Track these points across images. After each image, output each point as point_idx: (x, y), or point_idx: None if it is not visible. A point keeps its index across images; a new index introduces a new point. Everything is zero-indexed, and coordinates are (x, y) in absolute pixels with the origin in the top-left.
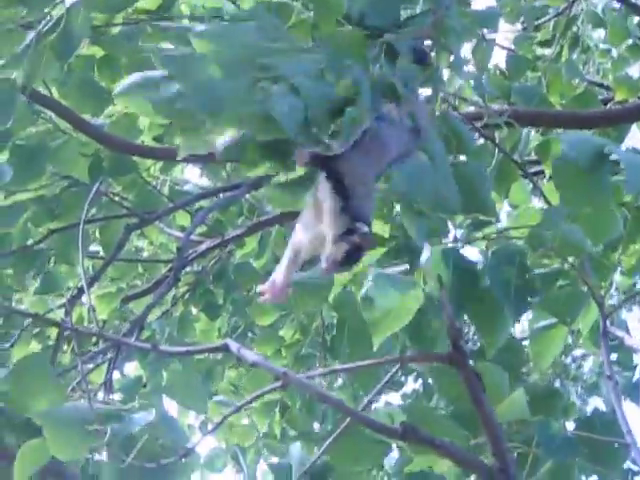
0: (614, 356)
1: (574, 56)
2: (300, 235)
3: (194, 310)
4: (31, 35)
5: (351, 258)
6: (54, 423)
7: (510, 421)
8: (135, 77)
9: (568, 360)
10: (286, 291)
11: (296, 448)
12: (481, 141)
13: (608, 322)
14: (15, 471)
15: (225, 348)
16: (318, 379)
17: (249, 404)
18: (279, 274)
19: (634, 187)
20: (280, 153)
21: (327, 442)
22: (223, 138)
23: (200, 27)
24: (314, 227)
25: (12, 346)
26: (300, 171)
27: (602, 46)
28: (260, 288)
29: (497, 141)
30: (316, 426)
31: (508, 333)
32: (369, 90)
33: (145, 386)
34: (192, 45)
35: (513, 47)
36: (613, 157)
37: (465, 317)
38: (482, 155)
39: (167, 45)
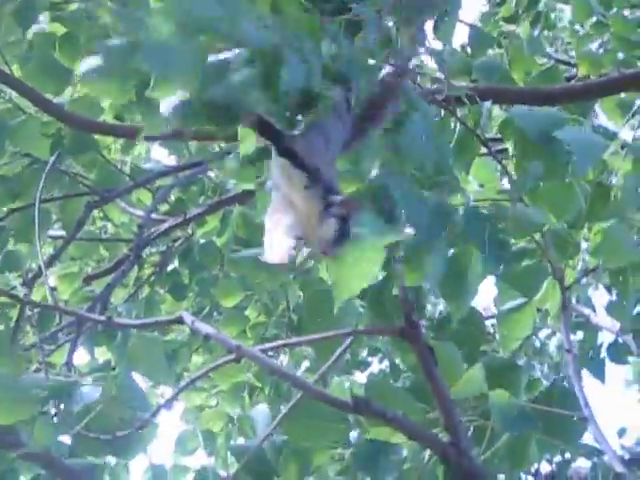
0: (580, 334)
1: (538, 33)
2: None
3: (160, 291)
4: None
5: (344, 232)
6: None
7: (468, 396)
8: (91, 60)
9: (533, 338)
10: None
11: (261, 412)
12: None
13: (574, 300)
14: None
15: (180, 321)
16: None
17: (202, 377)
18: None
19: (582, 167)
20: (228, 118)
21: (279, 416)
22: (169, 100)
23: None
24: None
25: None
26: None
27: (567, 23)
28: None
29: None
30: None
31: (472, 299)
32: (320, 74)
33: (114, 369)
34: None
35: (478, 24)
36: (560, 137)
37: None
38: (443, 130)
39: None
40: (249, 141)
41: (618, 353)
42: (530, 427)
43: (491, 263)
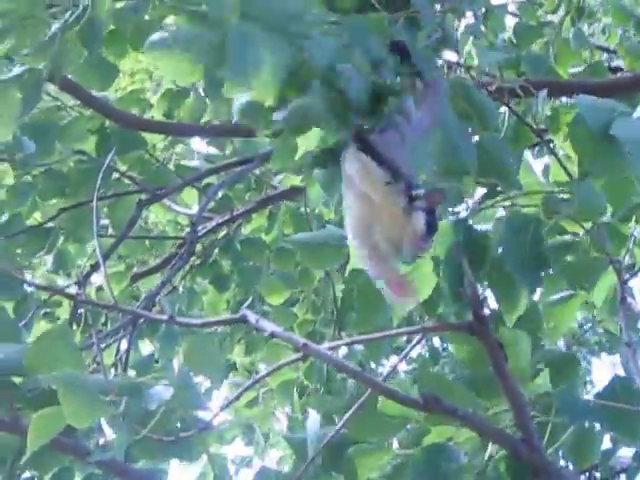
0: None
1: (581, 25)
2: (360, 233)
3: (201, 283)
4: (57, 25)
5: (432, 224)
6: (70, 387)
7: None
8: (162, 33)
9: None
10: (405, 284)
11: (313, 420)
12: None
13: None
14: (29, 439)
15: (243, 319)
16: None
17: (265, 378)
18: (387, 277)
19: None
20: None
21: (347, 415)
22: (240, 100)
23: None
24: (372, 216)
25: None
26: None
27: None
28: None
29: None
30: None
31: (527, 301)
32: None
33: (157, 362)
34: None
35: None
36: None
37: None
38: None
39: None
40: (311, 139)
41: None
42: (597, 420)
43: (529, 285)
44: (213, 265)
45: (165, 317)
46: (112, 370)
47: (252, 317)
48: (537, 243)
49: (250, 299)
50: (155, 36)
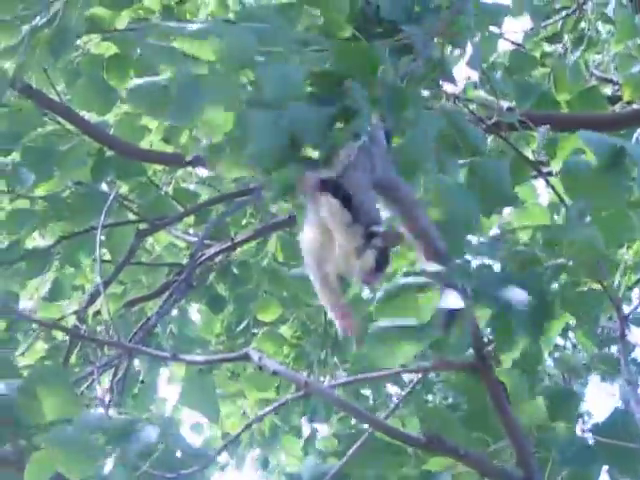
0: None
1: (579, 56)
2: (314, 262)
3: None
4: (26, 28)
5: (382, 262)
6: (61, 445)
7: (529, 426)
8: (141, 80)
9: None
10: (349, 316)
11: (310, 462)
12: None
13: (605, 317)
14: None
15: (246, 357)
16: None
17: (269, 414)
18: (334, 307)
19: None
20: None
21: (349, 452)
22: (205, 138)
23: (195, 26)
24: (327, 249)
25: (22, 354)
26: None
27: (612, 39)
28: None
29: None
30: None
31: (524, 347)
32: (368, 108)
33: (143, 382)
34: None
35: (520, 42)
36: (629, 152)
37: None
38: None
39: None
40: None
41: None
42: (593, 461)
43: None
44: (208, 288)
45: (167, 354)
46: (107, 395)
47: (255, 355)
48: (541, 296)
49: (245, 322)
50: (132, 82)
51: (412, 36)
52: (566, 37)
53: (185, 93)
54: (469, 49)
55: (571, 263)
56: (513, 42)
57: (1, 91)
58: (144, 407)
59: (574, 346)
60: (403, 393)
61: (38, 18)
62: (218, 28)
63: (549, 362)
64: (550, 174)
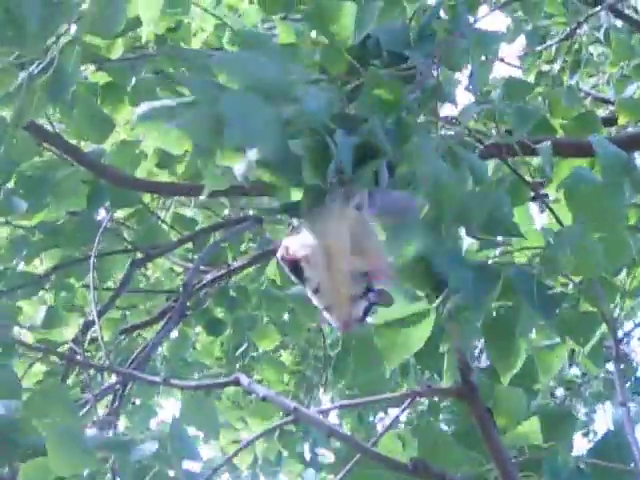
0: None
1: (576, 77)
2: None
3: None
4: (24, 74)
5: (366, 314)
6: (59, 437)
7: (522, 446)
8: (151, 104)
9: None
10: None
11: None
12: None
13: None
14: None
15: (236, 382)
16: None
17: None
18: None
19: None
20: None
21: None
22: (240, 164)
23: (220, 55)
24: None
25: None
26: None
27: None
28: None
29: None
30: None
31: (522, 359)
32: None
33: (134, 403)
34: (210, 72)
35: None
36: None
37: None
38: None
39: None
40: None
41: None
42: None
43: (544, 314)
44: (206, 311)
45: (159, 379)
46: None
47: (245, 380)
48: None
49: (244, 346)
50: (143, 107)
51: (416, 62)
52: (559, 61)
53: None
54: (467, 74)
55: (571, 286)
56: (509, 64)
57: (1, 138)
58: (140, 428)
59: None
60: (397, 415)
61: (35, 64)
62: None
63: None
64: (547, 196)
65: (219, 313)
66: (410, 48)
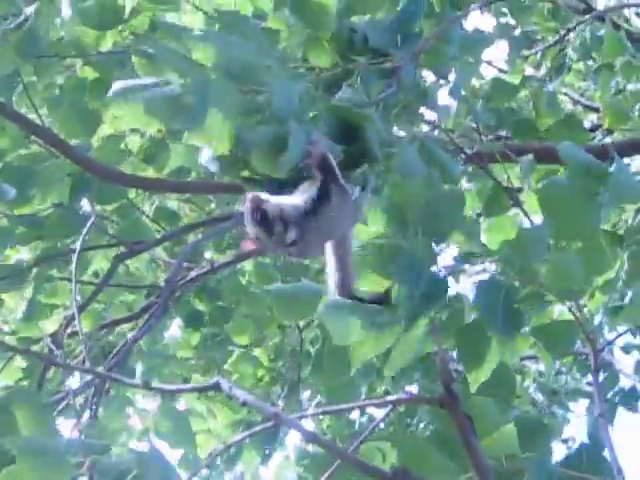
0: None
1: (558, 81)
2: None
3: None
4: None
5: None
6: (29, 453)
7: (499, 456)
8: (125, 82)
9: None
10: None
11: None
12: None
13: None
14: None
15: (216, 387)
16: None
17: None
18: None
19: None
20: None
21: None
22: (207, 152)
23: (199, 33)
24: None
25: None
26: None
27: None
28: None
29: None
30: None
31: (492, 368)
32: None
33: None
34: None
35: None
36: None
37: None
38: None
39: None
40: None
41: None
42: None
43: (505, 337)
44: (186, 304)
45: (139, 382)
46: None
47: (225, 385)
48: (510, 303)
49: (220, 337)
50: (117, 85)
51: (399, 59)
52: (545, 66)
53: (196, 98)
54: (451, 78)
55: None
56: (495, 67)
57: None
58: (117, 417)
59: (557, 373)
60: (377, 421)
61: (9, 20)
62: (217, 36)
63: (531, 390)
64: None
65: (198, 305)
66: (396, 47)
